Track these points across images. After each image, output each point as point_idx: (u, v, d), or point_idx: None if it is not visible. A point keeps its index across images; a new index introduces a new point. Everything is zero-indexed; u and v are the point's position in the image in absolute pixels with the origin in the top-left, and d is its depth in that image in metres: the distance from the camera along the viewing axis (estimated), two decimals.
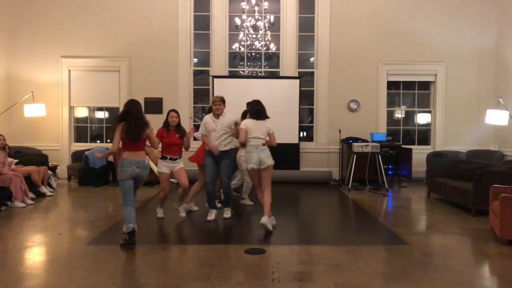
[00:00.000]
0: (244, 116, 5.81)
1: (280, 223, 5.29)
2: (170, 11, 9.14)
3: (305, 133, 9.61)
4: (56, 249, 4.30)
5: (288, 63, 9.29)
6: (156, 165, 6.28)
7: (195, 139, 5.97)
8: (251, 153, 5.00)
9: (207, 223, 5.37)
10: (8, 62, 9.11)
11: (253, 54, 9.57)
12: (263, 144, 5.04)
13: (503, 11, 9.00)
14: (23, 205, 6.35)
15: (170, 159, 5.37)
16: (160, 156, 5.47)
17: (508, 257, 4.13)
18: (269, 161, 4.97)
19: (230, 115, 5.55)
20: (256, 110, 5.15)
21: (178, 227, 5.31)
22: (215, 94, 8.66)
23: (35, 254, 4.16)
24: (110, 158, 8.71)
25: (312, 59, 9.54)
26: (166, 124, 5.44)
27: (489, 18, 9.20)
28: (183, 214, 5.69)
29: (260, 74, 9.59)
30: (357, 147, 7.87)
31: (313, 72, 9.44)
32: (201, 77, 9.53)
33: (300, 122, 9.05)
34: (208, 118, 5.52)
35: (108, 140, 9.49)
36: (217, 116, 5.46)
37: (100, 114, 9.70)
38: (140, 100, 8.96)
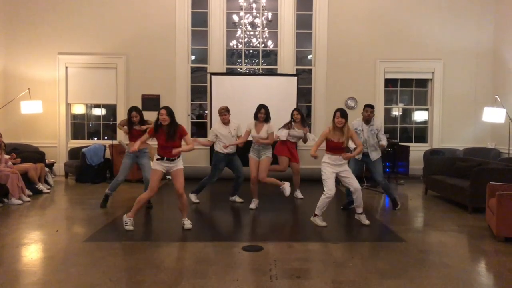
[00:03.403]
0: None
1: (278, 220, 5.30)
2: (167, 8, 9.11)
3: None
4: (53, 246, 4.29)
5: (286, 60, 9.28)
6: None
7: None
8: None
9: (205, 221, 5.36)
10: (5, 59, 9.06)
11: (251, 51, 9.56)
12: None
13: (501, 9, 9.01)
14: (20, 202, 6.33)
15: (167, 159, 4.80)
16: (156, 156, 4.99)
17: (504, 254, 4.15)
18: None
19: (235, 120, 6.24)
20: None
21: (175, 224, 5.30)
22: (213, 92, 8.72)
23: (32, 251, 4.15)
24: (107, 155, 8.70)
25: (310, 56, 9.53)
26: (157, 122, 4.81)
27: (486, 16, 9.20)
28: (188, 226, 4.92)
29: (258, 71, 9.58)
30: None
31: (311, 70, 9.44)
32: (199, 74, 9.51)
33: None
34: (220, 126, 6.19)
35: (106, 137, 9.47)
36: (225, 124, 6.16)
37: (97, 111, 9.67)
38: (137, 97, 9.09)
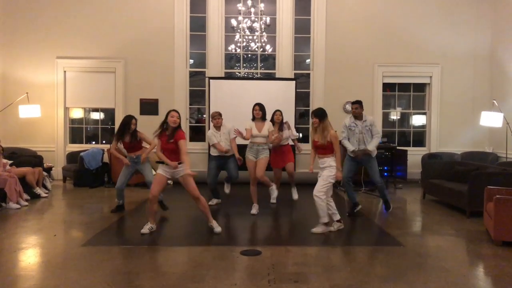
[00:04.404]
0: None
1: (276, 224, 5.30)
2: (166, 12, 9.13)
3: (301, 135, 9.62)
4: (51, 251, 4.28)
5: (284, 64, 9.31)
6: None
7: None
8: None
9: (203, 225, 5.35)
10: (3, 63, 9.06)
11: (249, 55, 9.59)
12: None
13: (498, 14, 9.06)
14: (18, 206, 6.31)
15: (166, 164, 4.79)
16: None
17: (502, 258, 4.15)
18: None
19: (227, 124, 6.32)
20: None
21: (173, 228, 5.30)
22: (211, 96, 8.73)
23: (30, 255, 4.14)
24: (106, 159, 8.69)
25: (308, 60, 9.56)
26: (164, 124, 4.83)
27: (484, 21, 9.26)
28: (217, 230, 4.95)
29: (256, 75, 9.60)
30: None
31: (309, 74, 9.46)
32: (197, 78, 9.53)
33: (295, 123, 9.04)
34: (211, 133, 6.31)
35: (104, 141, 9.46)
36: (218, 128, 6.23)
37: (96, 115, 9.67)
38: (135, 101, 9.11)
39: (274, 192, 6.45)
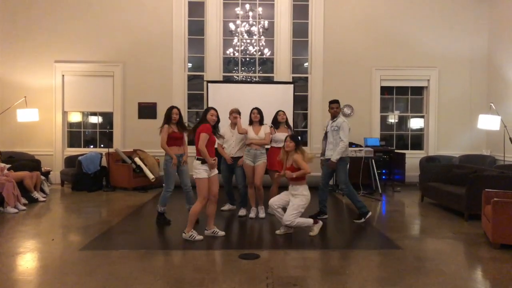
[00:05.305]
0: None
1: (275, 228, 5.29)
2: (164, 16, 9.16)
3: (299, 138, 9.61)
4: (49, 255, 4.27)
5: (282, 68, 9.33)
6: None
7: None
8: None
9: (202, 229, 5.34)
10: (1, 67, 9.06)
11: (248, 59, 9.61)
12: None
13: (495, 18, 9.12)
14: (16, 210, 6.30)
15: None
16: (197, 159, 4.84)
17: (500, 261, 4.16)
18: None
19: (245, 128, 6.10)
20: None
21: (172, 232, 5.29)
22: (210, 99, 8.74)
23: (27, 260, 4.13)
24: (104, 163, 8.68)
25: (306, 64, 9.59)
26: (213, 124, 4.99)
27: (481, 25, 9.31)
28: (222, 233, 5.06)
29: (254, 79, 9.62)
30: (350, 152, 7.89)
31: (307, 77, 9.49)
32: (196, 82, 9.54)
33: (294, 127, 9.06)
34: (226, 129, 6.13)
35: (102, 145, 9.45)
36: (233, 126, 6.10)
37: (94, 119, 9.66)
38: (134, 105, 9.11)
39: (253, 211, 6.06)
